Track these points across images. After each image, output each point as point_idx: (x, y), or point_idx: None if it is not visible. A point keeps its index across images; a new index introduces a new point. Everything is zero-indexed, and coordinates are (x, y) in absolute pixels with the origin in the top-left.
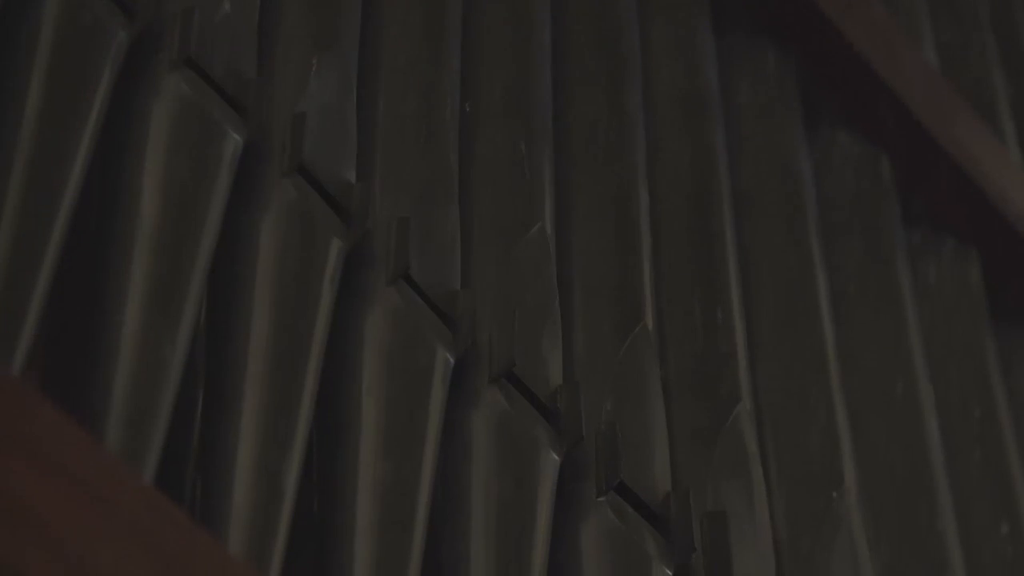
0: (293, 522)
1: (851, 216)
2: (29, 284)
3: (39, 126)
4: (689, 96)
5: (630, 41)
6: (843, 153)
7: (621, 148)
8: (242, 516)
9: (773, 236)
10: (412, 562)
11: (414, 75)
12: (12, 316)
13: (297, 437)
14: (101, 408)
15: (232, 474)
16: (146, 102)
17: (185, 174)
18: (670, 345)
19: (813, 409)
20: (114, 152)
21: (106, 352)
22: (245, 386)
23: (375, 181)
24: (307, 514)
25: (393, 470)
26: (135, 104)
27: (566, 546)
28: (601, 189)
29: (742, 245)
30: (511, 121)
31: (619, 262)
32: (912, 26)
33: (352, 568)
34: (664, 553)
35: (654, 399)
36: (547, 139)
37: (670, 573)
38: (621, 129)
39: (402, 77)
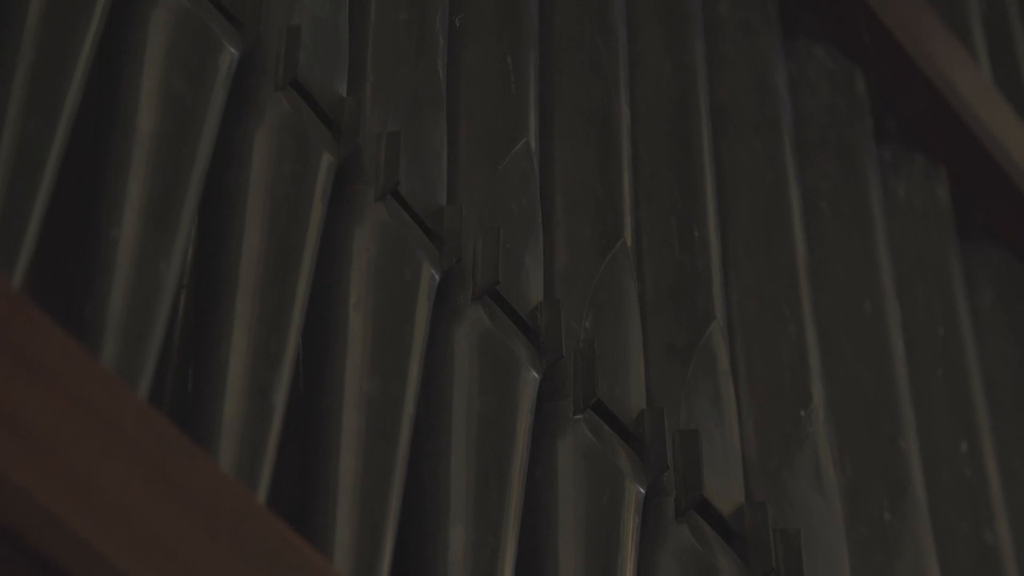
0: (281, 436)
1: (825, 131)
2: (29, 198)
3: (39, 41)
4: (671, 10)
5: None
6: (819, 67)
7: (603, 62)
8: (232, 430)
9: (749, 152)
10: (396, 475)
11: None
12: (12, 230)
13: (287, 352)
14: (97, 323)
15: (223, 388)
16: (143, 15)
17: (182, 87)
18: (647, 261)
19: (784, 327)
20: (112, 66)
21: (102, 267)
22: (236, 300)
23: (366, 95)
24: (294, 427)
25: (379, 385)
26: (133, 17)
27: (543, 463)
28: (583, 103)
29: (719, 161)
30: (500, 35)
31: (600, 178)
32: None
33: (337, 481)
34: (638, 470)
35: (631, 316)
36: (532, 53)
37: (643, 490)
38: (604, 43)
39: None
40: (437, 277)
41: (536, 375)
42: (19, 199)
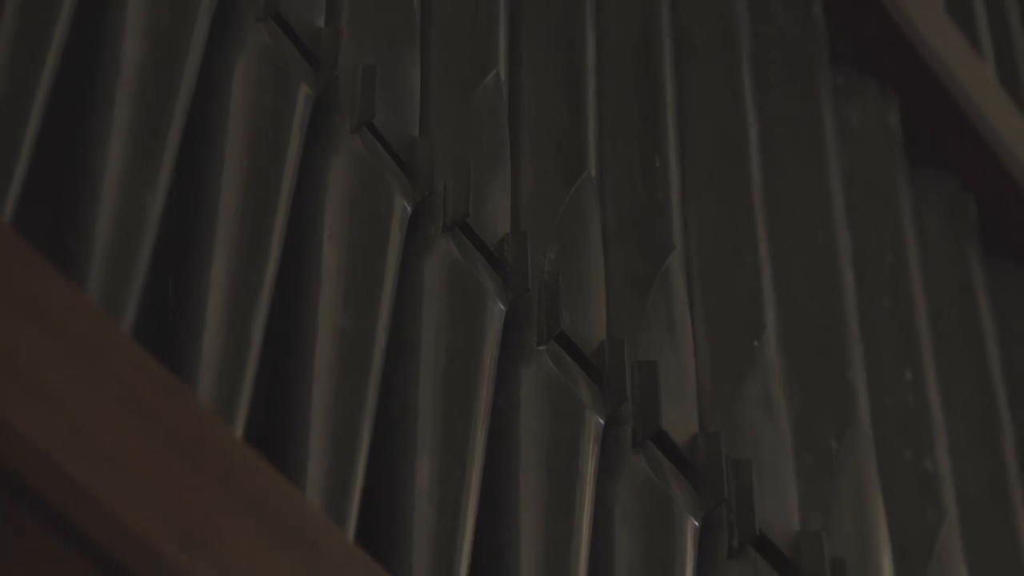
0: (262, 368)
1: (782, 57)
2: (19, 131)
3: None
4: None
5: None
6: None
7: None
8: (211, 363)
9: (710, 80)
10: (367, 408)
11: None
12: (2, 164)
13: (265, 284)
14: (82, 254)
15: (202, 320)
16: None
17: (166, 18)
18: (609, 191)
19: (739, 257)
20: None
21: (88, 197)
22: (216, 231)
23: (342, 26)
24: (269, 359)
25: (352, 317)
26: None
27: (506, 392)
28: (550, 33)
29: (681, 90)
30: None
31: (567, 108)
32: None
33: (309, 414)
34: (597, 401)
35: (594, 248)
36: None
37: (602, 420)
38: None
39: None
40: (409, 210)
41: (502, 307)
42: (9, 132)
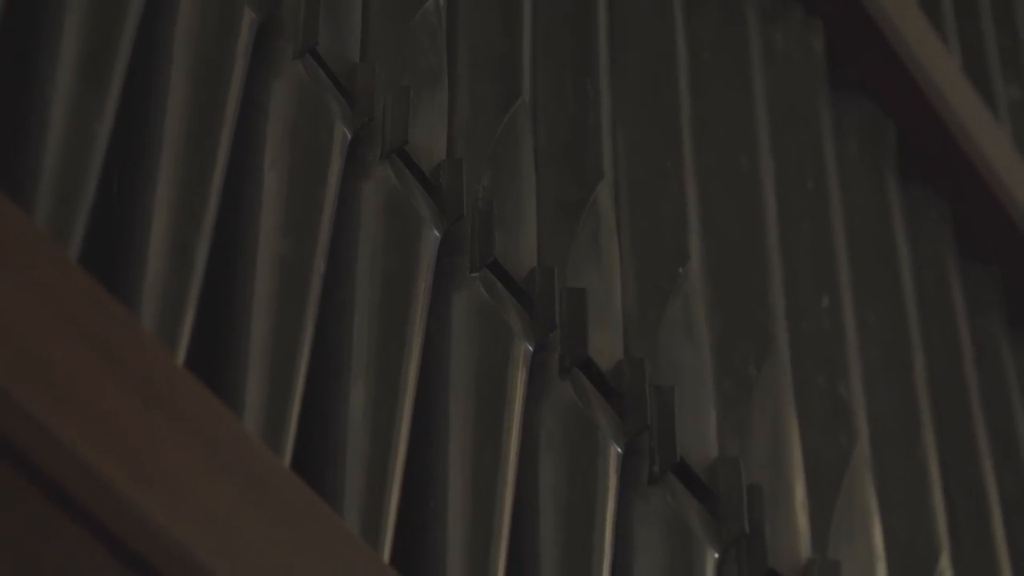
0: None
1: None
2: None
3: None
4: None
5: None
6: None
7: None
8: (155, 290)
9: (641, 4)
10: (305, 335)
11: None
12: None
13: (208, 210)
14: (30, 181)
15: (146, 247)
16: None
17: None
18: (542, 117)
19: (666, 183)
20: None
21: (36, 125)
22: (161, 158)
23: None
24: (209, 286)
25: (291, 244)
26: None
27: (439, 318)
28: None
29: (613, 12)
30: None
31: (502, 33)
32: None
33: (249, 341)
34: (527, 328)
35: (527, 174)
36: None
37: (531, 347)
38: None
39: None
40: (349, 136)
41: (437, 234)
42: None
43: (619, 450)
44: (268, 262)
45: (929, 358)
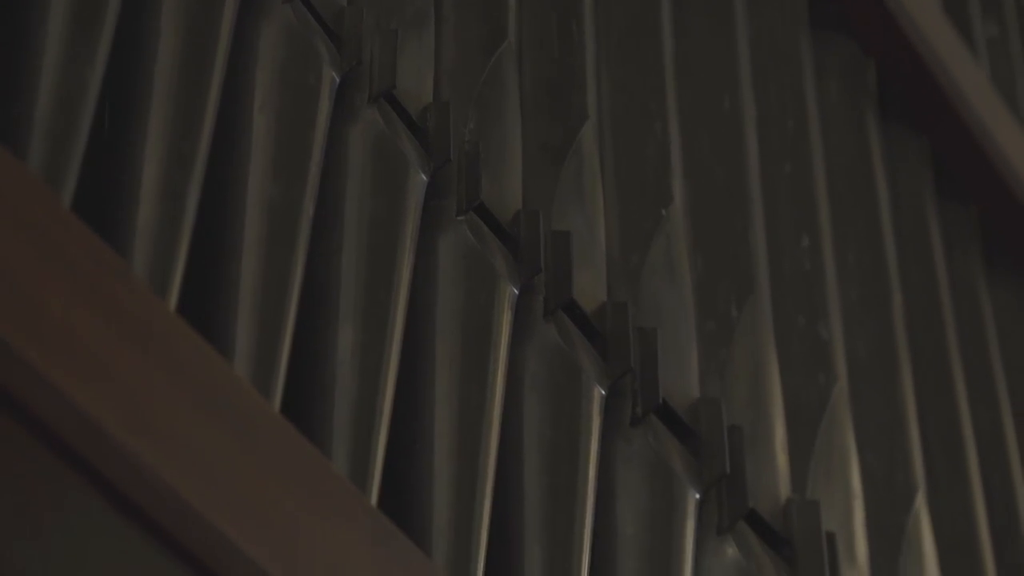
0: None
1: None
2: None
3: None
4: None
5: None
6: None
7: None
8: (146, 234)
9: None
10: (294, 278)
11: None
12: None
13: (199, 155)
14: (24, 125)
15: (136, 192)
16: None
17: None
18: (527, 59)
19: (649, 124)
20: None
21: (29, 75)
22: (152, 103)
23: None
24: (199, 231)
25: (280, 188)
26: None
27: (426, 261)
28: None
29: None
30: None
31: None
32: None
33: (238, 284)
34: (512, 271)
35: (513, 117)
36: None
37: (516, 290)
38: None
39: None
40: (337, 80)
41: (424, 177)
42: None
43: (602, 392)
44: (257, 206)
45: (907, 297)
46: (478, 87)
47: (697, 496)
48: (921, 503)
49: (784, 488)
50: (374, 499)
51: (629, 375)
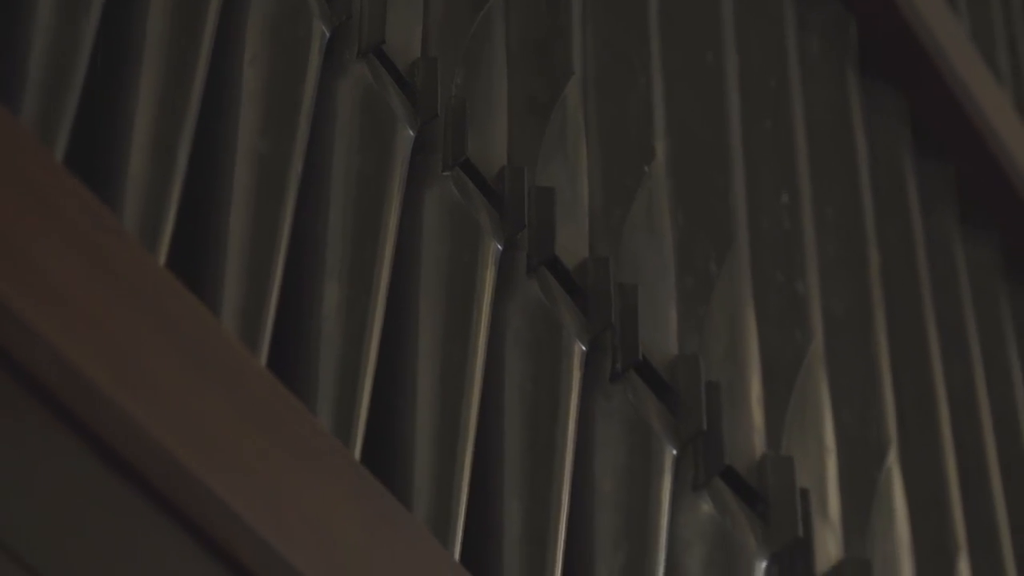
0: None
1: None
2: None
3: None
4: None
5: None
6: None
7: None
8: (137, 188)
9: None
10: (282, 233)
11: None
12: None
13: (190, 108)
14: (17, 82)
15: (128, 144)
16: None
17: None
18: (514, 14)
19: (633, 80)
20: None
21: (23, 25)
22: (142, 54)
23: None
24: (188, 184)
25: (270, 142)
26: None
27: (411, 217)
28: None
29: None
30: None
31: None
32: None
33: (227, 238)
34: (496, 227)
35: (500, 73)
36: None
37: (500, 246)
38: None
39: None
40: (327, 34)
41: (411, 133)
42: None
43: (583, 348)
44: (247, 159)
45: (883, 254)
46: (465, 42)
47: (674, 452)
48: (893, 459)
49: (759, 444)
50: (358, 454)
51: (609, 331)
